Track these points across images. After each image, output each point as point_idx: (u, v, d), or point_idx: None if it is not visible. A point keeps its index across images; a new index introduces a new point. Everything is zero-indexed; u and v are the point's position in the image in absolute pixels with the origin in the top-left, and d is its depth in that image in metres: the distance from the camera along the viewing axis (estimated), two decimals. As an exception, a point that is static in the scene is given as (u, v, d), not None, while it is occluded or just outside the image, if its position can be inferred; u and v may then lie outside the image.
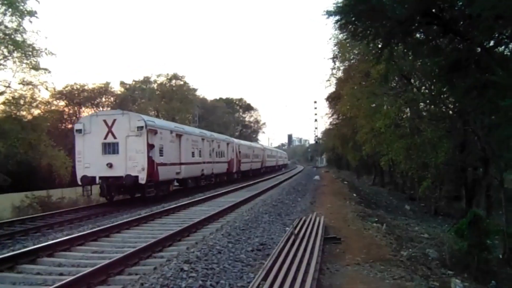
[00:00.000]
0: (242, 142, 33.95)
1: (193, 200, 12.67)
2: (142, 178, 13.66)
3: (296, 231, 6.97)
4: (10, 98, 16.85)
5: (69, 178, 17.67)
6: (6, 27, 15.76)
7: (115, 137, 14.07)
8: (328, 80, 21.30)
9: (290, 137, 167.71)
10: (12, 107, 16.84)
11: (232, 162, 26.49)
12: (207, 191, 16.84)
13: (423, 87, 13.47)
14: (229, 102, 66.72)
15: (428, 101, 13.79)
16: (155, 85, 37.56)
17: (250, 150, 34.49)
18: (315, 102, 28.63)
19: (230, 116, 58.57)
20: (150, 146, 14.02)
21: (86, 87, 26.93)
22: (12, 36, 15.85)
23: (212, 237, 6.93)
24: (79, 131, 14.40)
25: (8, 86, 16.81)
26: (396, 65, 11.14)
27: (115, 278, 5.40)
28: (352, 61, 17.48)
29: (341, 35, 12.16)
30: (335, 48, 17.73)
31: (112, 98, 28.56)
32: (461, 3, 6.56)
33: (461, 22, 6.64)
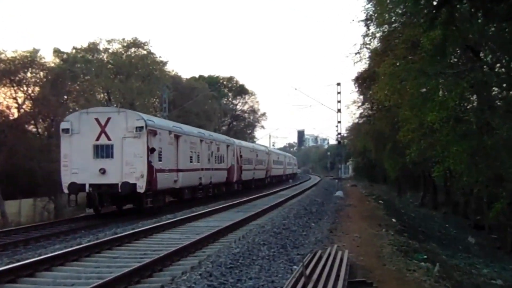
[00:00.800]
0: (244, 143, 37.96)
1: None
2: (141, 186, 17.36)
3: (307, 272, 5.97)
4: None
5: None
6: None
7: (109, 139, 17.80)
8: (358, 53, 18.57)
9: (301, 135, 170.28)
10: None
11: (232, 169, 30.46)
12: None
13: (497, 65, 11.31)
14: (213, 82, 66.89)
15: (504, 85, 11.41)
16: (105, 56, 35.09)
17: (252, 154, 38.52)
18: (338, 84, 28.62)
19: (215, 102, 59.17)
20: (151, 150, 17.81)
21: (1, 56, 22.82)
22: None
23: (185, 278, 6.20)
24: (66, 130, 18.08)
25: None
26: (458, 32, 9.11)
27: None
28: (393, 26, 15.11)
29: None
30: (369, 5, 15.97)
31: (41, 73, 25.45)
32: None
33: None
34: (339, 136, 32.62)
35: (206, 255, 8.40)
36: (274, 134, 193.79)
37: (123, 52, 36.28)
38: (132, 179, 17.29)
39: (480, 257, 14.06)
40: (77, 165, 17.70)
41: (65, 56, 33.97)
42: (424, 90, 13.58)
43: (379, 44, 17.94)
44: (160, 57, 39.43)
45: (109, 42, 35.83)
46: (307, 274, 6.19)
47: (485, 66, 12.30)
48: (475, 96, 14.05)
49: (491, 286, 9.87)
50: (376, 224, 14.49)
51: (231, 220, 13.63)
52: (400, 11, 14.08)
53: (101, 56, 35.93)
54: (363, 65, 23.21)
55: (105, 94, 35.05)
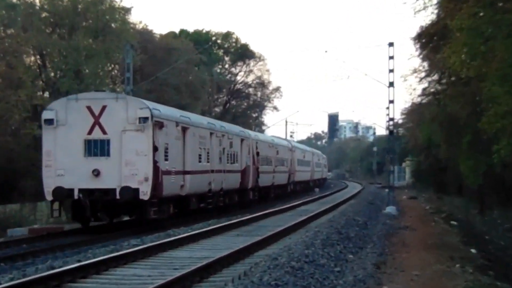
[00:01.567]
0: (261, 136, 41.70)
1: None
2: (145, 192, 20.92)
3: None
4: None
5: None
6: None
7: (104, 132, 21.33)
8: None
9: (333, 120, 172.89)
10: None
11: (247, 171, 34.12)
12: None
13: None
14: (201, 40, 66.31)
15: None
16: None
17: (272, 151, 42.42)
18: (391, 45, 30.07)
19: (204, 71, 60.56)
20: (155, 147, 21.38)
21: None
22: None
23: None
24: (49, 121, 21.68)
25: None
26: None
27: None
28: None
29: None
30: None
31: None
32: None
33: None
34: (391, 123, 33.52)
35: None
36: (292, 119, 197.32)
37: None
38: (133, 183, 20.81)
39: None
40: (64, 165, 21.27)
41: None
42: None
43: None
44: (120, 2, 37.57)
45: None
46: None
47: None
48: None
49: None
50: (447, 257, 14.33)
51: (228, 248, 14.26)
52: None
53: (31, 0, 34.32)
54: (428, 16, 23.27)
55: (38, 57, 34.88)
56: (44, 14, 35.19)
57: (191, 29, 70.16)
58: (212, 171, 27.60)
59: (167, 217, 23.14)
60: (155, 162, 21.27)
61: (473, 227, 27.82)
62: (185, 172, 24.37)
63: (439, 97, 28.56)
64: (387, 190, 41.31)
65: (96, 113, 21.40)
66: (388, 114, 35.43)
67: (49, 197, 21.34)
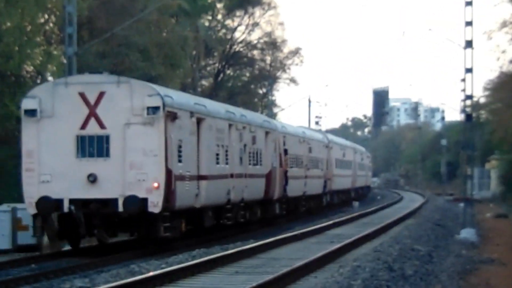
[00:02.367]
0: (289, 127, 46.19)
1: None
2: (155, 203, 25.21)
3: None
4: None
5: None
6: None
7: (102, 126, 25.63)
8: None
9: (380, 99, 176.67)
10: None
11: (273, 176, 38.81)
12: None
13: None
14: None
15: None
16: None
17: (303, 148, 47.16)
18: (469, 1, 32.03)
19: (185, 24, 61.57)
20: (168, 145, 25.70)
21: None
22: None
23: None
24: (30, 113, 25.94)
25: None
26: None
27: None
28: None
29: None
30: None
31: None
32: None
33: None
34: (468, 103, 35.45)
35: None
36: (318, 97, 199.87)
37: None
38: (141, 192, 25.07)
39: None
40: (50, 169, 25.53)
41: None
42: None
43: None
44: None
45: None
46: None
47: None
48: None
49: None
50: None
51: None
52: None
53: None
54: None
55: None
56: None
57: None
58: (232, 175, 32.09)
59: (179, 236, 27.49)
60: (167, 165, 25.60)
61: None
62: (200, 177, 28.76)
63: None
64: (462, 204, 42.35)
65: (92, 101, 25.66)
66: (463, 90, 36.84)
67: (31, 210, 25.59)
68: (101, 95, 25.66)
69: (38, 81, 40.63)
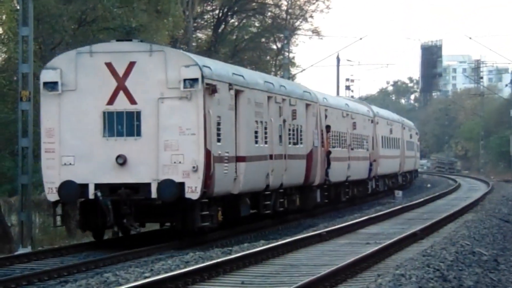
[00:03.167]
0: (331, 98, 50.62)
1: None
2: (193, 188, 29.41)
3: None
4: None
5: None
6: None
7: (133, 101, 29.80)
8: None
9: (430, 57, 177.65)
10: None
11: (314, 157, 43.64)
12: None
13: None
14: None
15: None
16: None
17: (346, 123, 52.09)
18: None
19: None
20: (207, 122, 30.10)
21: None
22: None
23: None
24: (51, 86, 30.09)
25: None
26: None
27: None
28: None
29: None
30: None
31: None
32: None
33: None
34: None
35: None
36: (348, 55, 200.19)
37: None
38: (177, 176, 29.23)
39: None
40: (73, 150, 29.57)
41: None
42: None
43: None
44: None
45: None
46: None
47: None
48: None
49: None
50: None
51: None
52: None
53: None
54: None
55: None
56: None
57: None
58: (271, 156, 36.57)
59: (216, 226, 31.95)
60: (206, 145, 29.88)
61: None
62: (238, 159, 33.17)
63: None
64: None
65: (121, 73, 29.73)
66: None
67: (52, 197, 29.78)
68: (131, 65, 29.59)
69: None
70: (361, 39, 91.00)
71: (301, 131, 41.20)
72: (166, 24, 53.40)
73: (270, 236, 33.15)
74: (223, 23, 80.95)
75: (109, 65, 29.87)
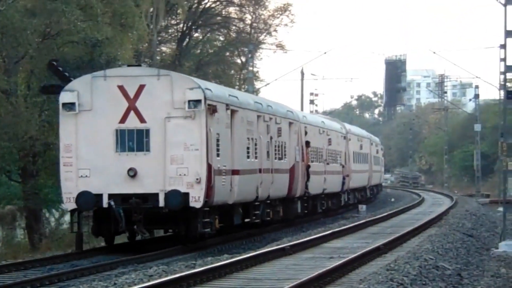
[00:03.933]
0: (309, 116, 56.11)
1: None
2: (197, 198, 34.32)
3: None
4: None
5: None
6: None
7: (142, 120, 34.71)
8: None
9: (394, 72, 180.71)
10: None
11: (296, 171, 48.99)
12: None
13: None
14: None
15: None
16: None
17: (323, 139, 57.74)
18: None
19: None
20: (208, 139, 34.97)
21: None
22: None
23: None
24: (69, 106, 35.00)
25: None
26: None
27: None
28: None
29: None
30: None
31: None
32: None
33: None
34: (508, 76, 38.60)
35: None
36: (312, 69, 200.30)
37: None
38: (182, 187, 34.16)
39: None
40: (89, 164, 34.43)
41: None
42: None
43: None
44: None
45: None
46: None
47: None
48: None
49: None
50: None
51: None
52: None
53: None
54: None
55: None
56: None
57: None
58: (260, 170, 41.68)
59: (214, 233, 36.84)
60: (208, 159, 34.69)
61: None
62: (233, 172, 38.09)
63: None
64: (501, 209, 44.53)
65: (131, 95, 34.51)
66: (503, 59, 37.36)
67: (70, 206, 34.51)
68: (140, 88, 34.41)
69: None
70: (325, 53, 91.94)
71: (285, 147, 46.32)
72: (130, 38, 54.55)
73: (234, 250, 36.25)
74: (188, 37, 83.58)
75: (121, 88, 34.56)
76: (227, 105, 37.57)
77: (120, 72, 36.20)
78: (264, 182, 42.23)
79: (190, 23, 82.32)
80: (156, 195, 34.00)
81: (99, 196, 34.09)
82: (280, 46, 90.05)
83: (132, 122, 34.57)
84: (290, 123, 47.92)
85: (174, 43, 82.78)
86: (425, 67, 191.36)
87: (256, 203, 41.64)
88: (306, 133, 51.51)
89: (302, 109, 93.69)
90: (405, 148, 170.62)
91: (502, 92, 40.84)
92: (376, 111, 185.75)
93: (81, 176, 34.32)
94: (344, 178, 63.04)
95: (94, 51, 49.73)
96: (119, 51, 50.02)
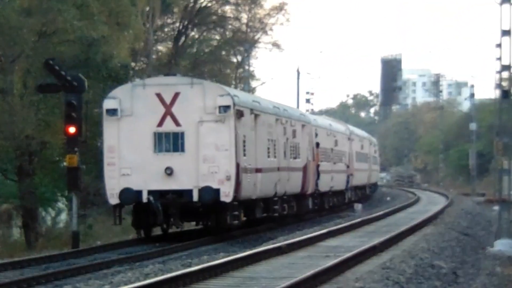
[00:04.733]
0: (319, 119, 62.43)
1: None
2: (227, 193, 39.61)
3: None
4: None
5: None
6: None
7: (178, 124, 39.99)
8: None
9: (389, 71, 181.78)
10: None
11: (308, 169, 54.88)
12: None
13: None
14: None
15: None
16: None
17: (330, 140, 63.71)
18: None
19: None
20: (237, 140, 40.36)
21: None
22: None
23: None
24: (112, 112, 40.31)
25: None
26: None
27: None
28: None
29: None
30: None
31: None
32: None
33: None
34: (504, 75, 39.93)
35: None
36: (308, 68, 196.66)
37: None
38: (213, 183, 39.27)
39: None
40: (130, 163, 39.65)
41: None
42: None
43: None
44: None
45: None
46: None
47: None
48: None
49: None
50: None
51: None
52: None
53: None
54: None
55: None
56: None
57: None
58: (278, 168, 47.13)
59: (240, 225, 42.22)
60: (236, 158, 39.84)
61: None
62: (257, 170, 43.35)
63: None
64: (496, 207, 48.23)
65: (168, 101, 39.71)
66: (499, 59, 38.99)
67: (113, 201, 39.55)
68: (176, 95, 39.50)
69: None
70: (321, 52, 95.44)
71: (299, 147, 51.92)
72: (126, 37, 56.97)
73: (230, 248, 37.90)
74: (184, 35, 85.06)
75: (158, 95, 39.72)
76: (251, 110, 42.72)
77: (157, 81, 41.60)
78: (282, 179, 47.62)
79: (186, 22, 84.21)
80: (190, 191, 38.88)
81: (139, 192, 38.91)
82: (276, 45, 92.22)
83: (169, 126, 39.49)
84: (303, 126, 53.51)
85: (170, 42, 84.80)
86: (421, 66, 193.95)
87: (275, 199, 46.80)
88: (316, 134, 57.09)
89: (298, 108, 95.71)
90: (401, 147, 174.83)
91: (498, 91, 42.44)
92: (372, 110, 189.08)
93: (123, 174, 39.19)
94: (348, 177, 68.50)
95: (90, 50, 52.81)
96: (115, 50, 53.10)
